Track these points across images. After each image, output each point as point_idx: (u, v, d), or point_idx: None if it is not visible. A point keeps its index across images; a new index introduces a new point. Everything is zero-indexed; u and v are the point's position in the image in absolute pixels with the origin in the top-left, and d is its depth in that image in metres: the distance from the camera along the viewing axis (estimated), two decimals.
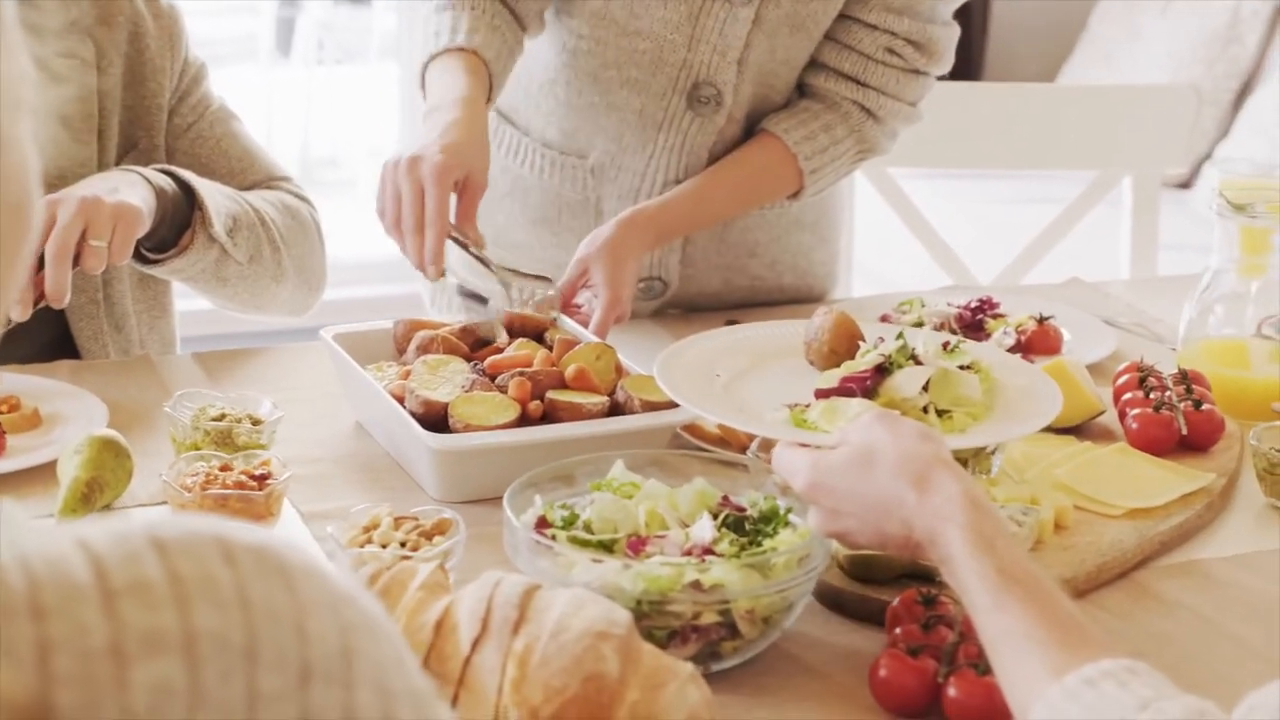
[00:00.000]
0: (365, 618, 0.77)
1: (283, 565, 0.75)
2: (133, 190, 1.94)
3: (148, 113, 2.14)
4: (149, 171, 2.00)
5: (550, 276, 2.01)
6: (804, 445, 1.44)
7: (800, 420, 1.56)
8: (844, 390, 1.59)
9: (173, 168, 2.05)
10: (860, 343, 1.70)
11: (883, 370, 1.61)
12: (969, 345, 1.69)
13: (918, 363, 1.61)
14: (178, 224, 2.01)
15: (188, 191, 2.02)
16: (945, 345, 1.65)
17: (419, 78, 2.07)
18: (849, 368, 1.62)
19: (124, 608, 0.70)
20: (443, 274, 1.92)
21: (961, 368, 1.62)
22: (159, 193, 1.98)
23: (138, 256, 2.03)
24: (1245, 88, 4.67)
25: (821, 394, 1.59)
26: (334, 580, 0.77)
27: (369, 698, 0.75)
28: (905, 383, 1.59)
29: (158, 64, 2.14)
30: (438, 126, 1.94)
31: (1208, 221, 4.38)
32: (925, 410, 1.58)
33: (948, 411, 1.59)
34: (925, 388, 1.59)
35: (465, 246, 1.96)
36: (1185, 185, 4.55)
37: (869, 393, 1.59)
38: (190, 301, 2.29)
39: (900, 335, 1.66)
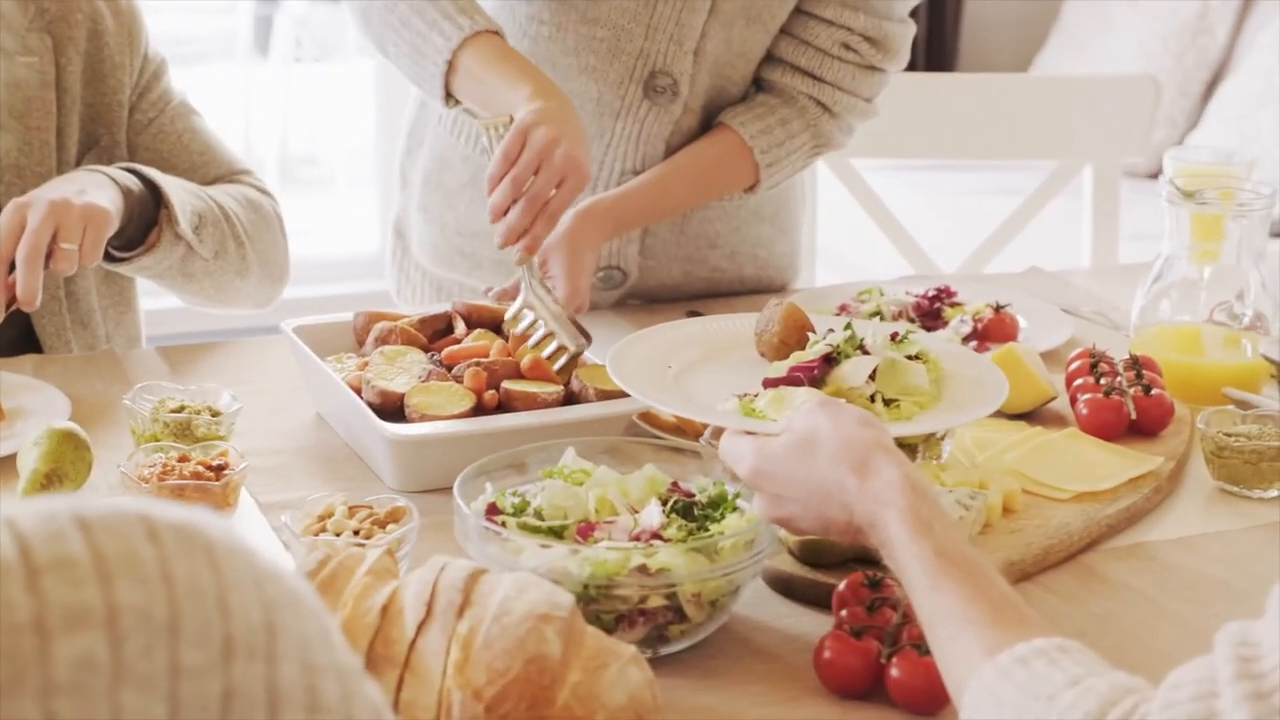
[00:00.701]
0: (289, 594, 0.78)
1: (207, 542, 0.77)
2: (100, 192, 1.95)
3: (108, 110, 2.16)
4: (115, 171, 2.02)
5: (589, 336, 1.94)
6: (749, 433, 1.45)
7: (749, 409, 1.58)
8: (791, 380, 1.60)
9: (138, 166, 2.06)
10: (810, 334, 1.71)
11: (830, 360, 1.62)
12: (918, 336, 1.70)
13: (865, 353, 1.63)
14: (144, 222, 2.03)
15: (153, 189, 2.04)
16: (894, 336, 1.67)
17: (442, 64, 2.01)
18: (797, 358, 1.64)
19: (47, 584, 0.72)
20: (529, 260, 1.92)
21: (909, 358, 1.64)
22: (125, 192, 1.99)
23: (105, 255, 2.04)
24: (1215, 78, 4.70)
25: (770, 383, 1.61)
26: (258, 558, 0.78)
27: (292, 672, 0.77)
28: (852, 372, 1.61)
29: (117, 60, 2.15)
30: (572, 119, 1.92)
31: None
32: (872, 399, 1.60)
33: (895, 400, 1.61)
34: (872, 377, 1.61)
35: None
36: (1154, 175, 4.57)
37: (816, 382, 1.60)
38: (156, 299, 2.31)
39: (849, 326, 1.68)
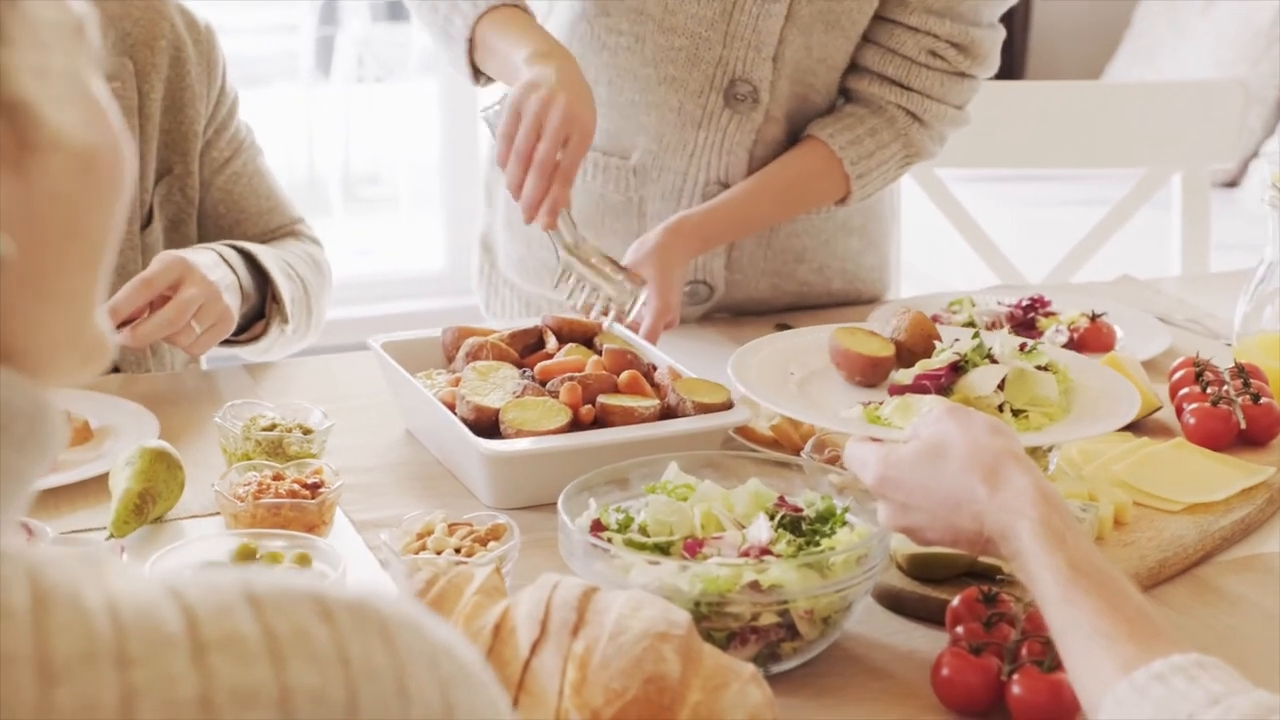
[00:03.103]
0: (463, 670, 0.76)
1: (381, 621, 0.74)
2: (232, 295, 1.98)
3: (184, 139, 2.14)
4: (236, 260, 2.03)
5: (641, 278, 1.97)
6: (874, 440, 1.42)
7: (874, 417, 1.55)
8: (918, 387, 1.58)
9: (254, 251, 2.07)
10: (936, 342, 1.68)
11: (958, 368, 1.60)
12: (1046, 347, 1.67)
13: (993, 362, 1.60)
14: (250, 310, 2.06)
15: (256, 271, 2.05)
16: (1022, 346, 1.64)
17: (464, 42, 2.04)
18: (924, 366, 1.61)
19: (215, 660, 0.69)
20: (555, 224, 1.92)
21: (1038, 368, 1.61)
22: (245, 295, 2.02)
23: None
24: None
25: (896, 390, 1.59)
26: (432, 632, 0.76)
27: None
28: (980, 381, 1.58)
29: (196, 90, 2.13)
30: (567, 74, 1.92)
31: (1257, 219, 4.35)
32: (1000, 409, 1.57)
33: (1023, 411, 1.58)
34: (1001, 387, 1.58)
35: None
36: (1232, 184, 4.51)
37: (943, 390, 1.58)
38: None
39: (976, 335, 1.65)
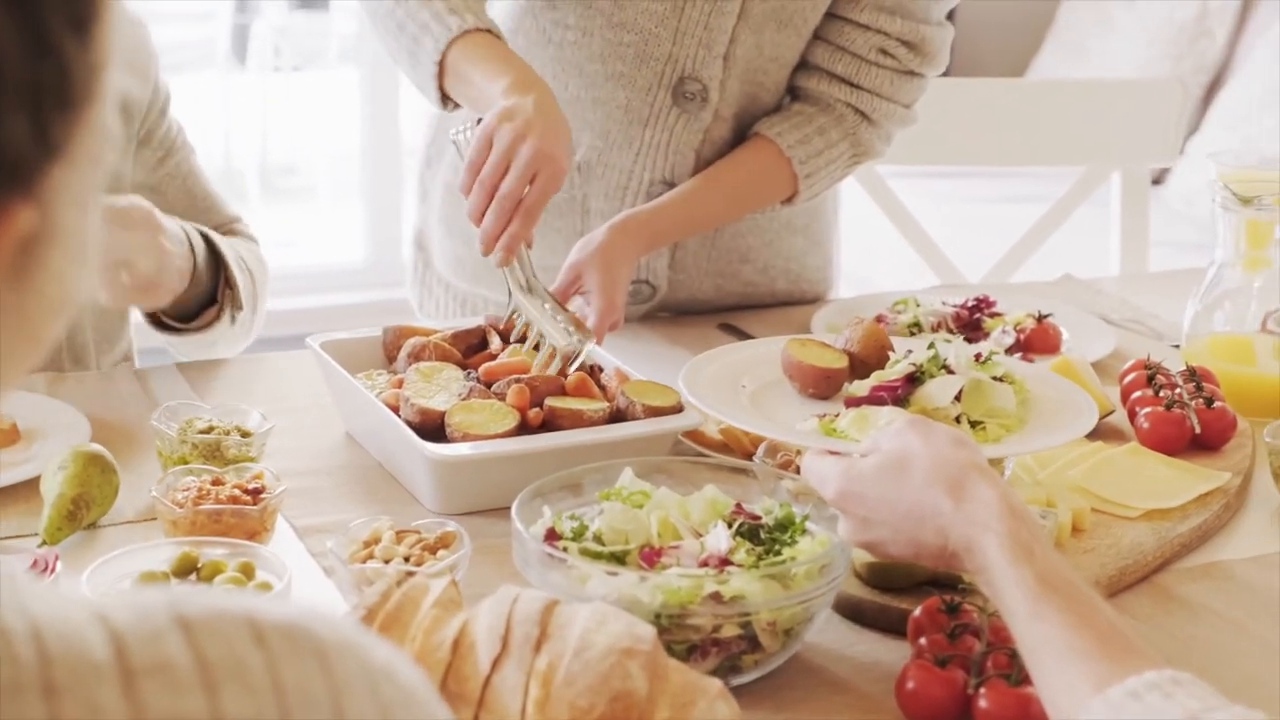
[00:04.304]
0: (404, 692, 0.73)
1: (317, 644, 0.71)
2: (180, 272, 1.91)
3: (121, 141, 2.06)
4: (199, 244, 1.97)
5: (589, 331, 1.88)
6: (834, 453, 1.39)
7: (830, 429, 1.52)
8: (875, 399, 1.55)
9: (208, 232, 2.01)
10: (890, 353, 1.66)
11: (914, 379, 1.57)
12: (1001, 357, 1.65)
13: (950, 372, 1.57)
14: (201, 290, 2.00)
15: (212, 253, 2.00)
16: (977, 356, 1.62)
17: (432, 66, 1.95)
18: (879, 377, 1.59)
19: (145, 689, 0.66)
20: (509, 262, 1.86)
21: (994, 379, 1.59)
22: (197, 279, 1.96)
23: (159, 324, 2.02)
24: (1215, 82, 4.65)
25: (852, 402, 1.56)
26: (371, 654, 0.73)
27: None
28: (937, 392, 1.55)
29: (129, 94, 2.06)
30: (544, 110, 1.84)
31: (1185, 217, 4.38)
32: (958, 420, 1.54)
33: (980, 422, 1.56)
34: (958, 398, 1.55)
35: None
36: (1157, 181, 4.53)
37: (900, 402, 1.55)
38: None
39: (931, 345, 1.62)
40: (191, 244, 1.94)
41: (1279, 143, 4.16)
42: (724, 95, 2.11)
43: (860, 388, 1.58)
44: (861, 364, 1.66)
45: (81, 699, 0.65)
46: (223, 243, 2.01)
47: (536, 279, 1.88)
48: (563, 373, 1.80)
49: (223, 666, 0.68)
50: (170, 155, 2.13)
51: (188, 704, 0.66)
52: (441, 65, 1.95)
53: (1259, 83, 4.42)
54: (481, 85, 1.90)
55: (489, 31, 1.95)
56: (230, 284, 2.00)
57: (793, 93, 2.17)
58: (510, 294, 1.88)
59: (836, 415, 1.54)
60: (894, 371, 1.58)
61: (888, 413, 1.50)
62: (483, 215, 1.84)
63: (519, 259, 1.87)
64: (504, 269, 1.87)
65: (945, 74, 2.23)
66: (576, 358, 1.81)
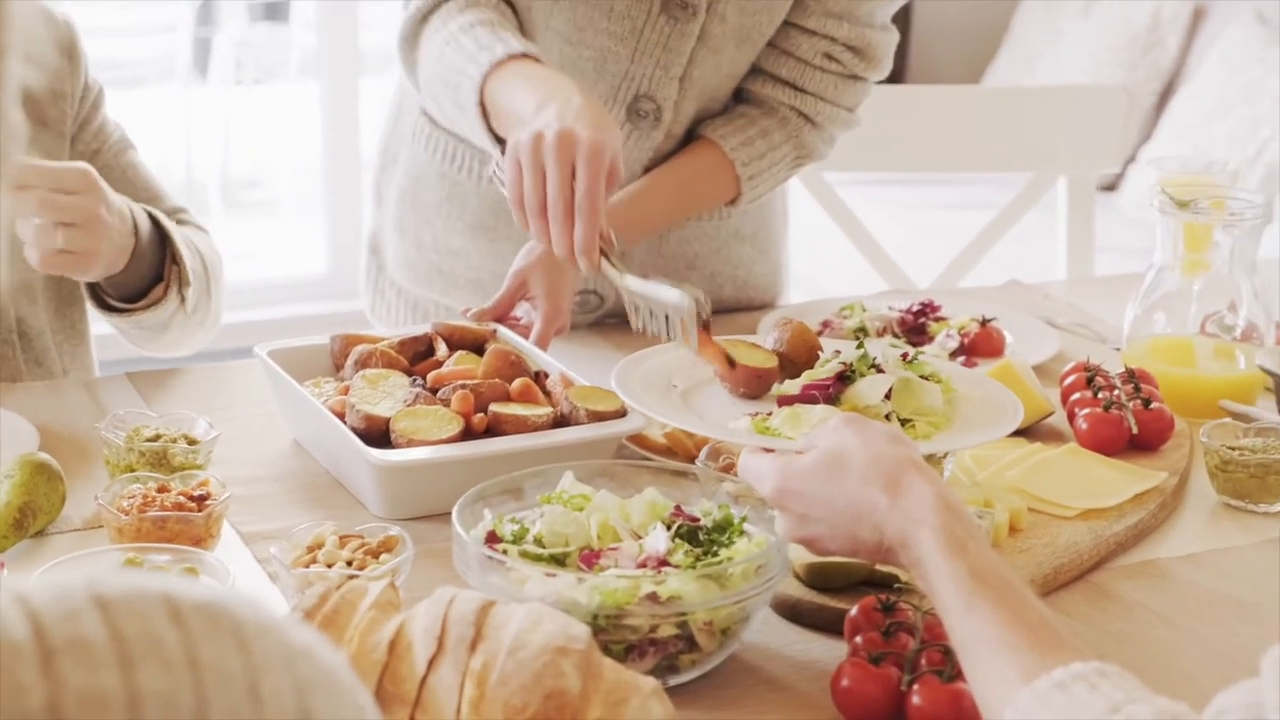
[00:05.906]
0: (322, 674, 0.74)
1: (234, 623, 0.72)
2: (125, 242, 1.91)
3: (53, 139, 2.07)
4: (144, 221, 1.96)
5: (697, 292, 1.70)
6: (770, 451, 1.41)
7: (763, 427, 1.53)
8: (807, 398, 1.57)
9: (156, 212, 2.00)
10: (819, 353, 1.68)
11: (845, 378, 1.59)
12: (927, 357, 1.67)
13: (879, 371, 1.59)
14: (144, 269, 1.98)
15: (157, 231, 1.99)
16: (905, 356, 1.64)
17: (475, 92, 1.88)
18: (810, 376, 1.60)
19: (63, 667, 0.67)
20: (597, 266, 1.75)
21: (922, 378, 1.61)
22: (140, 254, 1.95)
23: (102, 304, 2.01)
24: (1167, 89, 4.69)
25: (784, 401, 1.58)
26: (290, 634, 0.74)
27: None
28: (868, 390, 1.57)
29: (58, 89, 2.07)
30: (573, 109, 1.76)
31: (1136, 223, 4.41)
32: (888, 418, 1.56)
33: (910, 420, 1.57)
34: (888, 396, 1.57)
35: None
36: (1110, 188, 4.56)
37: (831, 400, 1.57)
38: (105, 324, 2.24)
39: (861, 345, 1.64)
40: (136, 221, 1.94)
41: (1228, 149, 4.20)
42: (677, 115, 2.12)
43: (792, 386, 1.60)
44: (791, 364, 1.68)
45: (4, 680, 0.66)
46: (170, 223, 2.00)
47: (626, 267, 1.78)
48: (706, 326, 1.67)
49: (139, 643, 0.69)
50: (103, 150, 2.12)
51: (104, 680, 0.67)
52: (484, 107, 1.89)
53: (1210, 91, 4.46)
54: (510, 115, 1.84)
55: (524, 55, 1.88)
56: (176, 260, 1.98)
57: (737, 95, 2.18)
58: (622, 293, 1.77)
59: (769, 414, 1.55)
60: (825, 370, 1.60)
61: (820, 410, 1.52)
62: (548, 237, 1.76)
63: (606, 258, 1.77)
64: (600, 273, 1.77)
65: (899, 81, 2.25)
66: (701, 311, 1.67)
